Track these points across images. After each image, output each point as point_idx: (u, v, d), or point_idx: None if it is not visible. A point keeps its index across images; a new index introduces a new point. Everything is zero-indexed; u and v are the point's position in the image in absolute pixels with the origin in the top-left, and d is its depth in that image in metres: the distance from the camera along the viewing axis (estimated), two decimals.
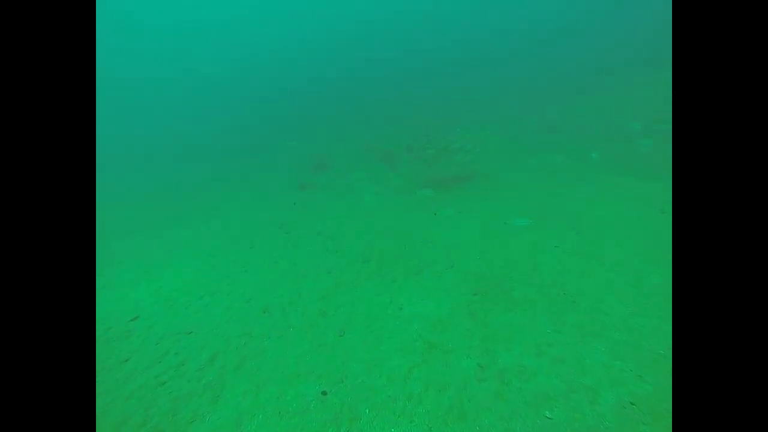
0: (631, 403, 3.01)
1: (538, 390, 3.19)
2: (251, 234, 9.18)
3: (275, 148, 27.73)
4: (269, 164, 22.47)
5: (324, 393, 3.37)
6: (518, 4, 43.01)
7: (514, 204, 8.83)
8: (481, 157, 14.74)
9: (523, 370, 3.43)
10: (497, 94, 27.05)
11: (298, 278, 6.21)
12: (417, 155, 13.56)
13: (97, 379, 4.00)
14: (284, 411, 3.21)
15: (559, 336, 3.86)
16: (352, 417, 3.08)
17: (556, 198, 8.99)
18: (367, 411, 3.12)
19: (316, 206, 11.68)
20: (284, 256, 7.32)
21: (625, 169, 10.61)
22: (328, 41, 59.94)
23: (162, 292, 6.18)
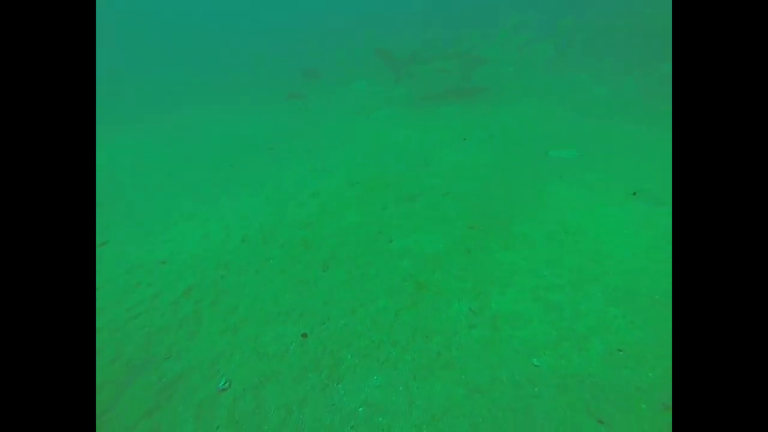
0: (619, 350, 2.88)
1: (530, 337, 3.03)
2: (232, 151, 8.42)
3: (262, 52, 24.65)
4: (255, 72, 20.15)
5: (304, 335, 3.19)
6: None
7: (521, 125, 8.02)
8: (495, 70, 13.12)
9: (517, 316, 3.24)
10: None
11: (281, 202, 5.76)
12: (425, 63, 11.92)
13: None
14: (262, 353, 3.06)
15: (558, 279, 3.62)
16: (334, 362, 2.94)
17: (567, 126, 8.18)
18: (349, 357, 2.97)
19: (307, 120, 10.64)
20: (268, 177, 6.75)
21: (659, 100, 9.54)
22: None
23: (134, 216, 5.74)
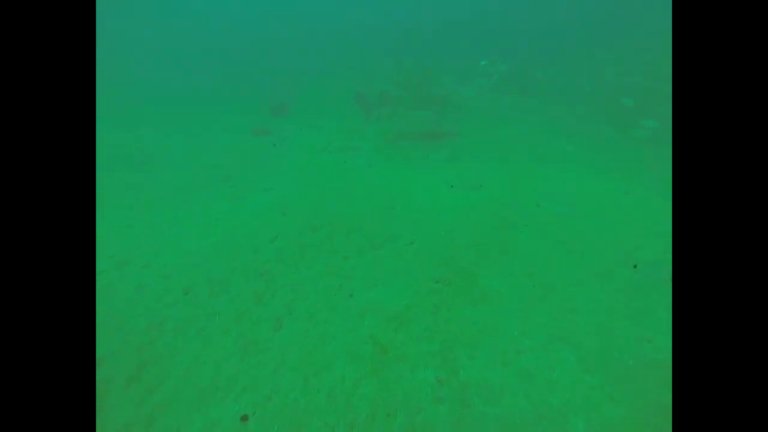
0: None
1: (503, 414, 2.72)
2: (186, 187, 7.84)
3: (234, 84, 24.52)
4: (223, 104, 19.83)
5: (244, 418, 2.68)
6: None
7: (487, 172, 8.20)
8: (465, 116, 13.65)
9: (488, 386, 2.94)
10: (495, 39, 25.00)
11: (235, 247, 5.26)
12: (396, 105, 12.16)
13: None
14: None
15: (528, 341, 3.40)
16: None
17: (531, 174, 8.49)
18: None
19: (272, 157, 10.33)
20: (222, 218, 6.25)
21: (620, 154, 10.28)
22: None
23: None
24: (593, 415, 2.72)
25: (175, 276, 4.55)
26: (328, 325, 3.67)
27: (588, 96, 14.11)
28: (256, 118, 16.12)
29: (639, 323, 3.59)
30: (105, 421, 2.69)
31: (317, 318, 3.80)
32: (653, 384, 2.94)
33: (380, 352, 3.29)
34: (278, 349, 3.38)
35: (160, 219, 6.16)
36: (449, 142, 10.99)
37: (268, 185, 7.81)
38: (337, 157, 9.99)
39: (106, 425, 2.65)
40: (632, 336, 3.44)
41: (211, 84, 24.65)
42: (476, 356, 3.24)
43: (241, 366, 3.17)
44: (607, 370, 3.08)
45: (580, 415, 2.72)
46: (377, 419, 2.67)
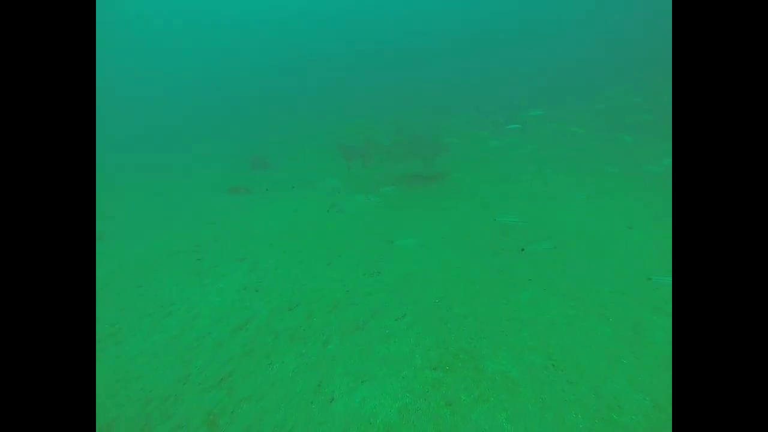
0: None
1: None
2: (148, 261, 7.06)
3: (211, 138, 24.54)
4: (202, 159, 19.55)
5: None
6: None
7: (476, 218, 7.65)
8: (453, 159, 13.41)
9: None
10: (492, 82, 25.80)
11: (192, 343, 4.43)
12: (383, 151, 11.77)
13: None
14: None
15: None
16: None
17: (524, 217, 7.99)
18: None
19: (246, 217, 9.70)
20: (183, 301, 5.44)
21: (625, 191, 9.98)
22: (301, 21, 54.98)
23: None
24: None
25: (97, 402, 3.65)
26: None
27: (584, 134, 14.20)
28: (235, 173, 15.74)
29: None
30: None
31: None
32: None
33: None
34: None
35: (106, 309, 5.30)
36: (437, 188, 10.57)
37: (241, 254, 7.08)
38: (318, 214, 9.41)
39: None
40: None
41: (191, 138, 24.63)
42: None
43: None
44: None
45: None
46: None
